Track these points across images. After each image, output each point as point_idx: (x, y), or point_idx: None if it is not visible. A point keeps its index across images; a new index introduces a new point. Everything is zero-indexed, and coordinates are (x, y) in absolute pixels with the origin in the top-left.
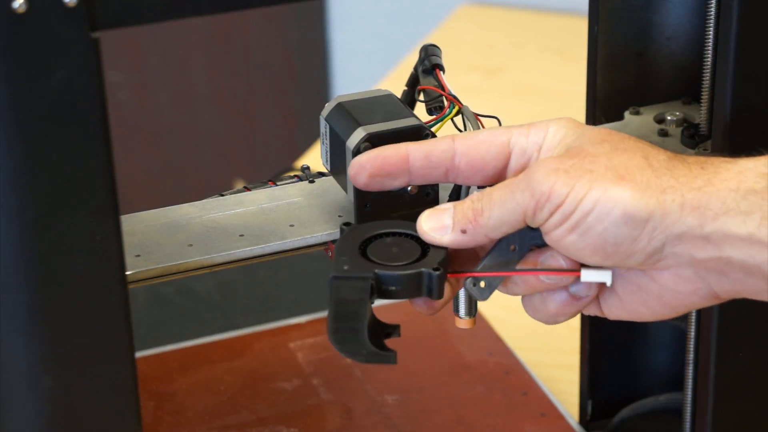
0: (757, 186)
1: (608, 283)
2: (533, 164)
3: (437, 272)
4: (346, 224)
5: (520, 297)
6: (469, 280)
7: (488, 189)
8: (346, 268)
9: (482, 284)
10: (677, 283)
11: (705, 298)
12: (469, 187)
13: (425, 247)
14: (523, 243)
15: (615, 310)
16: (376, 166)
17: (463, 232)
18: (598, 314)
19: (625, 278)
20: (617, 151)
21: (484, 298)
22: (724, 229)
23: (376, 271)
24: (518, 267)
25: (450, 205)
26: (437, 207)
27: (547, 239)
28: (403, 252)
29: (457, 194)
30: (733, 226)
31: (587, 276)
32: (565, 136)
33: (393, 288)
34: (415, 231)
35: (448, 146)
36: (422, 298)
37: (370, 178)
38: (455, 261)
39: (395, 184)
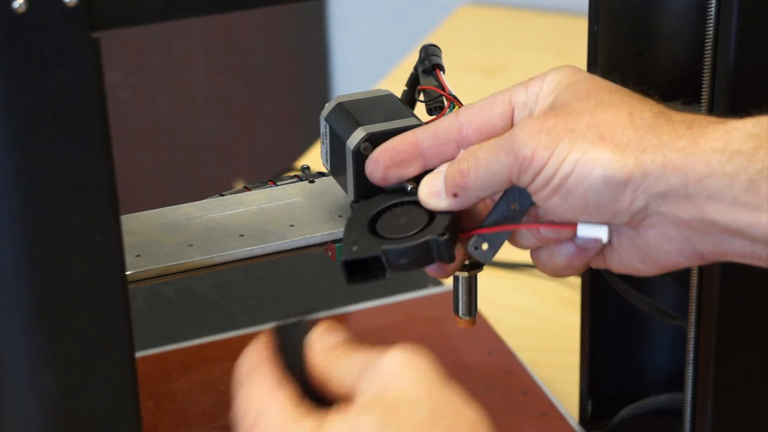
0: (743, 147)
1: (604, 239)
2: (517, 123)
3: (443, 237)
4: (356, 201)
5: (519, 297)
6: (470, 245)
7: (474, 147)
8: (355, 249)
9: (484, 246)
10: (662, 242)
11: (690, 258)
12: None
13: (432, 212)
14: (523, 200)
15: (616, 264)
16: (388, 157)
17: (455, 195)
18: (603, 267)
19: (619, 233)
20: (602, 106)
21: (488, 260)
22: (708, 192)
23: (385, 247)
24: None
25: (444, 166)
26: (434, 170)
27: (534, 199)
28: (410, 221)
29: None
30: (716, 188)
31: (583, 231)
32: (557, 86)
33: (404, 261)
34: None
35: (453, 119)
36: (435, 264)
37: (385, 171)
38: (465, 222)
39: (411, 171)
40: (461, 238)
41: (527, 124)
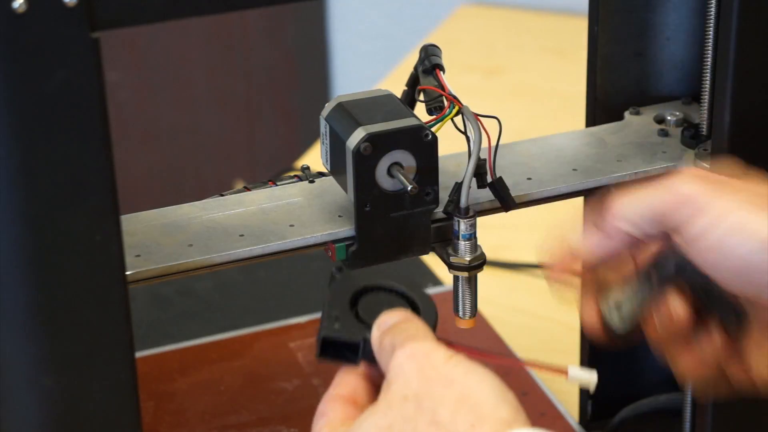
0: None
1: (591, 389)
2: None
3: None
4: (339, 269)
5: (519, 297)
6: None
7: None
8: (336, 326)
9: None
10: None
11: None
12: (469, 188)
13: (416, 307)
14: (663, 273)
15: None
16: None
17: (595, 226)
18: (747, 380)
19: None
20: (755, 182)
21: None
22: None
23: (366, 335)
24: (526, 360)
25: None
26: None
27: (688, 248)
28: None
29: (457, 193)
30: None
31: (573, 373)
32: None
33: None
34: (407, 289)
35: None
36: None
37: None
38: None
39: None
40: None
41: (686, 169)
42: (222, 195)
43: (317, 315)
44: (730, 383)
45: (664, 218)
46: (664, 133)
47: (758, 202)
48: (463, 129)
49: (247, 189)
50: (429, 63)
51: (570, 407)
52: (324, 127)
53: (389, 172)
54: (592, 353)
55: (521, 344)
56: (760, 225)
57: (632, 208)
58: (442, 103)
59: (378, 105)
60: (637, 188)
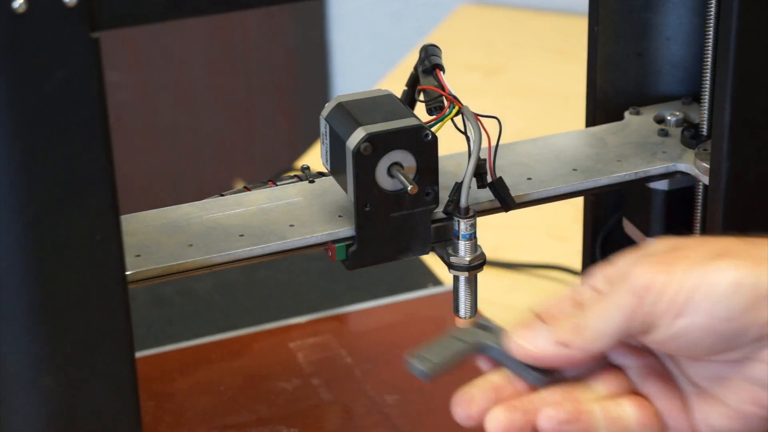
0: None
1: None
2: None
3: None
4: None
5: (519, 297)
6: None
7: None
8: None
9: None
10: None
11: None
12: (469, 188)
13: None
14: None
15: (715, 419)
16: None
17: (564, 345)
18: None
19: (720, 376)
20: (706, 240)
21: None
22: None
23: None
24: None
25: (542, 324)
26: (526, 323)
27: (657, 339)
28: None
29: (457, 193)
30: None
31: None
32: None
33: None
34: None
35: None
36: None
37: None
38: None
39: None
40: None
41: (638, 264)
42: (222, 195)
43: (317, 315)
44: None
45: (629, 326)
46: (664, 133)
47: (709, 257)
48: (463, 129)
49: (247, 189)
50: (429, 63)
51: None
52: (324, 127)
53: (389, 172)
54: None
55: None
56: (718, 272)
57: (595, 332)
58: (442, 103)
59: (378, 105)
60: (594, 303)
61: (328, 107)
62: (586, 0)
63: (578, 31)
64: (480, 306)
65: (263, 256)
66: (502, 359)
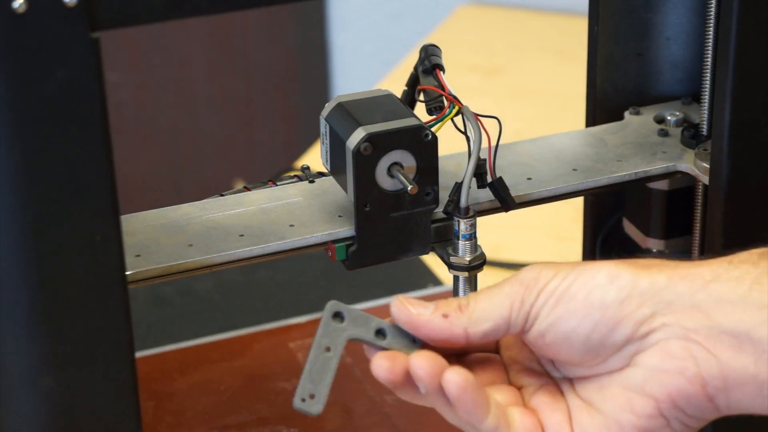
0: (749, 258)
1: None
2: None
3: None
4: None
5: None
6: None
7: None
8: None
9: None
10: (664, 359)
11: (691, 381)
12: (469, 188)
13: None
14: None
15: (593, 428)
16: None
17: (444, 316)
18: None
19: (602, 386)
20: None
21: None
22: (715, 296)
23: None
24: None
25: (430, 303)
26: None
27: (539, 330)
28: None
29: (457, 193)
30: (724, 291)
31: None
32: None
33: None
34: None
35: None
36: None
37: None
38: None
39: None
40: None
41: (529, 266)
42: (222, 195)
43: (317, 315)
44: None
45: (510, 317)
46: (664, 133)
47: (592, 264)
48: (463, 129)
49: (247, 189)
50: (429, 63)
51: None
52: (324, 127)
53: (389, 172)
54: None
55: None
56: (597, 268)
57: (479, 312)
58: (442, 103)
59: (378, 105)
60: (487, 289)
61: (328, 107)
62: (586, 0)
63: (578, 31)
64: None
65: (263, 256)
66: (375, 344)
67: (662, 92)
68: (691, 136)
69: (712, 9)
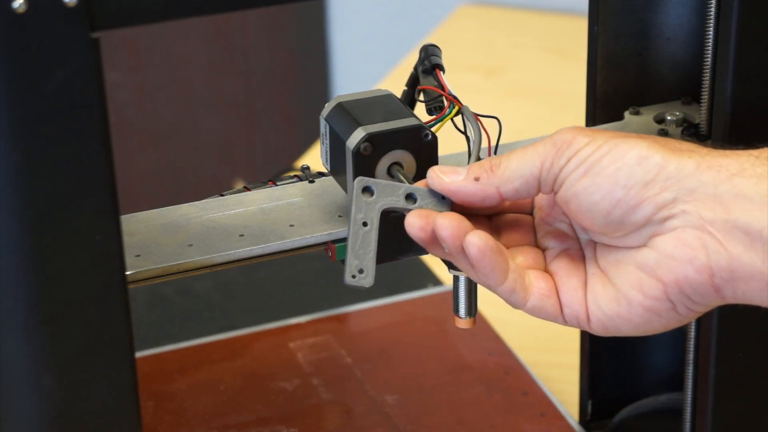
0: None
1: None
2: None
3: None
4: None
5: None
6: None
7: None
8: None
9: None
10: (676, 247)
11: (699, 271)
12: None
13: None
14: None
15: (604, 301)
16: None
17: (476, 179)
18: (583, 318)
19: (619, 260)
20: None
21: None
22: (737, 190)
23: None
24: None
25: (463, 166)
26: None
27: (560, 195)
28: None
29: None
30: (746, 186)
31: None
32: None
33: None
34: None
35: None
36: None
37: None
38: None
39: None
40: None
41: (565, 128)
42: (222, 195)
43: (317, 315)
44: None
45: (541, 174)
46: (664, 133)
47: (629, 137)
48: (463, 129)
49: (247, 189)
50: (429, 63)
51: (570, 407)
52: (324, 127)
53: (389, 172)
54: (592, 353)
55: (521, 344)
56: (629, 145)
57: (511, 171)
58: (442, 103)
59: (378, 105)
60: (521, 148)
61: (328, 107)
62: (586, 0)
63: (578, 31)
64: (480, 306)
65: (263, 256)
66: (407, 209)
67: (662, 92)
68: (691, 136)
69: (712, 9)
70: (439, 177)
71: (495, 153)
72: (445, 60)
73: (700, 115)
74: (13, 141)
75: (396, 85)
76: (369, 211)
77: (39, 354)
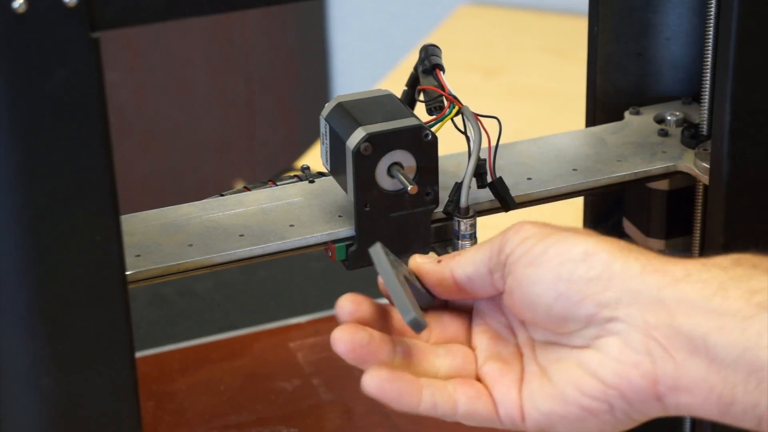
0: (723, 263)
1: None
2: None
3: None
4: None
5: None
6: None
7: None
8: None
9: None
10: (622, 350)
11: (644, 377)
12: (469, 188)
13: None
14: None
15: (540, 398)
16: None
17: (438, 261)
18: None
19: (561, 357)
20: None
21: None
22: (681, 294)
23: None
24: None
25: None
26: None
27: (507, 285)
28: None
29: (457, 193)
30: (690, 292)
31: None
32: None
33: None
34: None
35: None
36: None
37: None
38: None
39: None
40: None
41: (519, 221)
42: (222, 195)
43: (317, 315)
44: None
45: (491, 261)
46: (664, 133)
47: (576, 233)
48: (463, 129)
49: (247, 189)
50: (429, 63)
51: None
52: (324, 127)
53: (389, 172)
54: None
55: None
56: (577, 240)
57: (464, 257)
58: (442, 103)
59: (378, 105)
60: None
61: (328, 107)
62: (586, 0)
63: (578, 31)
64: None
65: (263, 256)
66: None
67: (662, 92)
68: (691, 136)
69: (712, 9)
70: (414, 258)
71: (495, 153)
72: (445, 60)
73: (700, 115)
74: (13, 141)
75: (396, 85)
76: (399, 266)
77: (39, 354)
